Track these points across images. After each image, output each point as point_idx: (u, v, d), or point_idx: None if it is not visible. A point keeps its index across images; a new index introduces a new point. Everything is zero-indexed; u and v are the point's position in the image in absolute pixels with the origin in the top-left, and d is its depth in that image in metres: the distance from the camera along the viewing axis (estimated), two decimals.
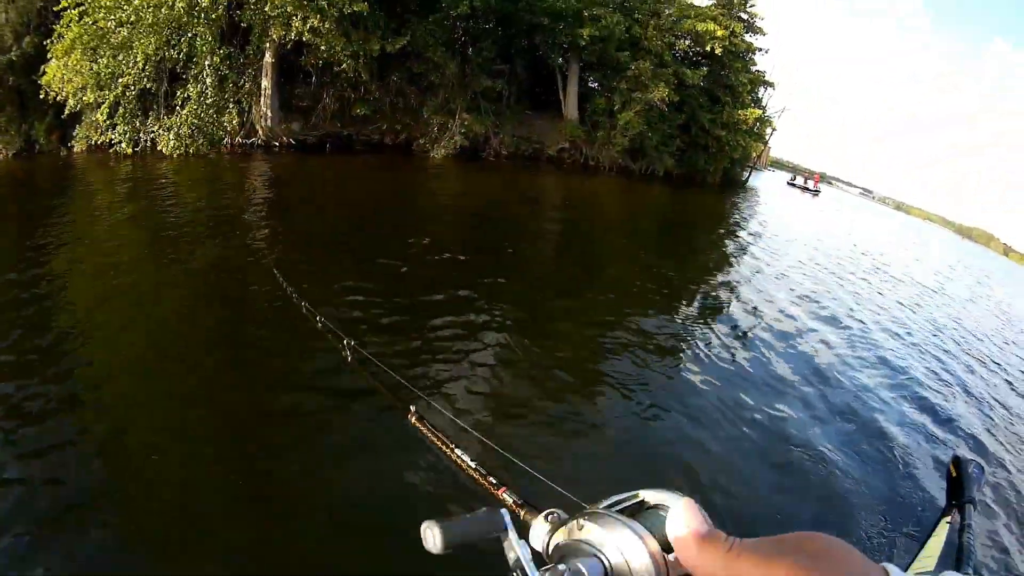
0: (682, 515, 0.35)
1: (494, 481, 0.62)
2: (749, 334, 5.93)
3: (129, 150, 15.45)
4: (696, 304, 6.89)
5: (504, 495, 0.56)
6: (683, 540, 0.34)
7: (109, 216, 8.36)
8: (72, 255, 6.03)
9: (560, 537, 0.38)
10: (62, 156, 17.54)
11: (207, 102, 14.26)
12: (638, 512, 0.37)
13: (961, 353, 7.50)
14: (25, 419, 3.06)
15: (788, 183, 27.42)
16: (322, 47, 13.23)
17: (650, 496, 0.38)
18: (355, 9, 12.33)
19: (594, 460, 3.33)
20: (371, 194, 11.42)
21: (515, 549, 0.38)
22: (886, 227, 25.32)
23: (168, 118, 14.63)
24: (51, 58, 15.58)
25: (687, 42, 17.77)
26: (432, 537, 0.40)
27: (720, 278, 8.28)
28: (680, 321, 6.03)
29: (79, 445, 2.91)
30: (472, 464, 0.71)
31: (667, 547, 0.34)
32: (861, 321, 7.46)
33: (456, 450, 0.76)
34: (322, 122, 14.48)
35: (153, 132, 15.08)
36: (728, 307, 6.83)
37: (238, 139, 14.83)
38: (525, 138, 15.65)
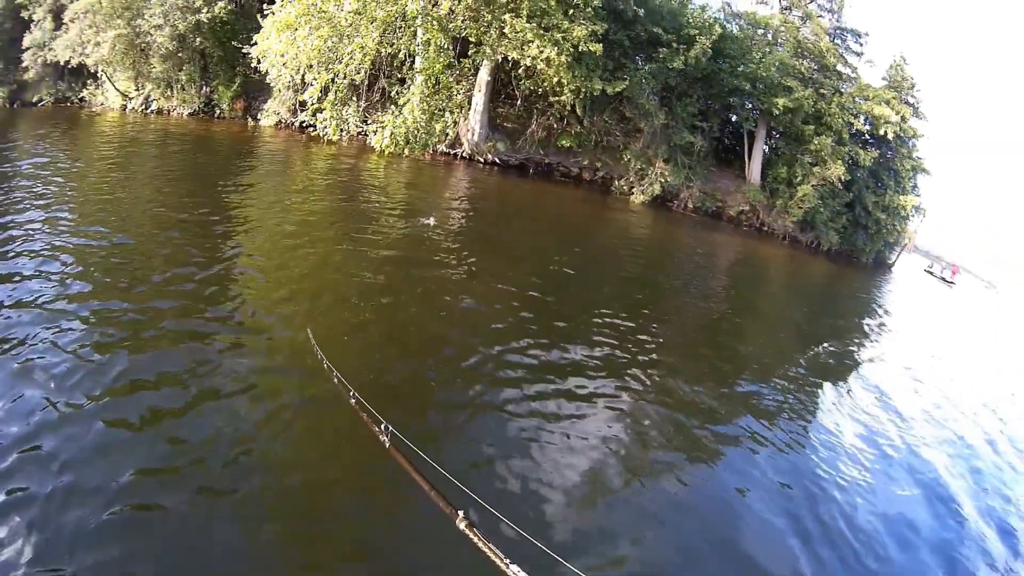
0: None
1: None
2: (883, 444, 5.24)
3: (335, 136, 16.14)
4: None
5: None
6: None
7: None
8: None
9: None
10: (249, 126, 18.62)
11: (426, 107, 14.62)
12: None
13: None
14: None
15: (925, 270, 27.42)
16: (555, 78, 13.76)
17: None
18: (590, 48, 12.93)
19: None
20: (581, 226, 12.04)
21: None
22: None
23: (382, 114, 15.41)
24: (266, 29, 15.64)
25: (863, 123, 18.09)
26: None
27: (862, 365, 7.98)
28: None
29: None
30: None
31: None
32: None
33: (511, 566, 0.61)
34: (527, 146, 15.35)
35: (365, 125, 15.96)
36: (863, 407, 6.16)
37: (442, 147, 15.74)
38: (710, 195, 16.33)
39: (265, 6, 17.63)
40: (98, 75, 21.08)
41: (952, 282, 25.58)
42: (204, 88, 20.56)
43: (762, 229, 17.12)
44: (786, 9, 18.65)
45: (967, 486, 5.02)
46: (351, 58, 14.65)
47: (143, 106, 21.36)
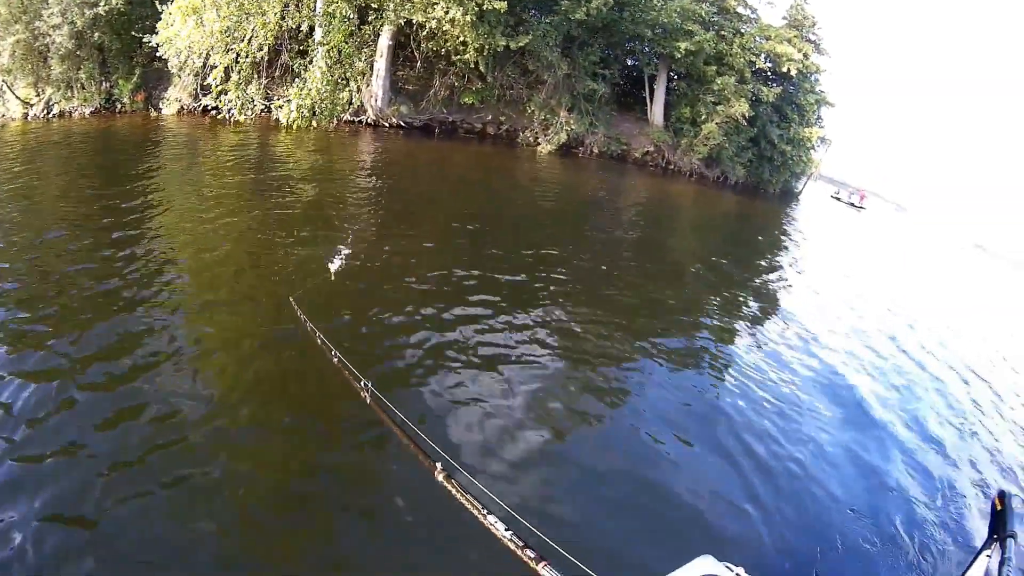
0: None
1: (532, 555, 0.54)
2: (795, 355, 5.82)
3: (242, 117, 15.99)
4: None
5: (544, 572, 0.50)
6: None
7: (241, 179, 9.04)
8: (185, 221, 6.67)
9: None
10: (151, 117, 18.12)
11: (330, 78, 14.73)
12: None
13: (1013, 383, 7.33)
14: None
15: (832, 196, 28.56)
16: (459, 37, 13.79)
17: (700, 566, 0.48)
18: (494, 6, 13.09)
19: (642, 534, 3.00)
20: (490, 180, 12.41)
21: None
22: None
23: (286, 89, 15.31)
24: (170, 15, 15.39)
25: (765, 61, 18.77)
26: None
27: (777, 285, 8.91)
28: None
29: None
30: (507, 534, 0.62)
31: None
32: (903, 347, 7.33)
33: (489, 517, 0.67)
34: (431, 107, 15.43)
35: (269, 102, 15.77)
36: (782, 326, 6.78)
37: (346, 116, 15.69)
38: (615, 139, 16.78)
39: None
40: None
41: (862, 207, 26.90)
42: (104, 84, 19.86)
43: (668, 168, 17.76)
44: None
45: (882, 395, 5.48)
46: (254, 35, 14.51)
47: (45, 111, 20.43)
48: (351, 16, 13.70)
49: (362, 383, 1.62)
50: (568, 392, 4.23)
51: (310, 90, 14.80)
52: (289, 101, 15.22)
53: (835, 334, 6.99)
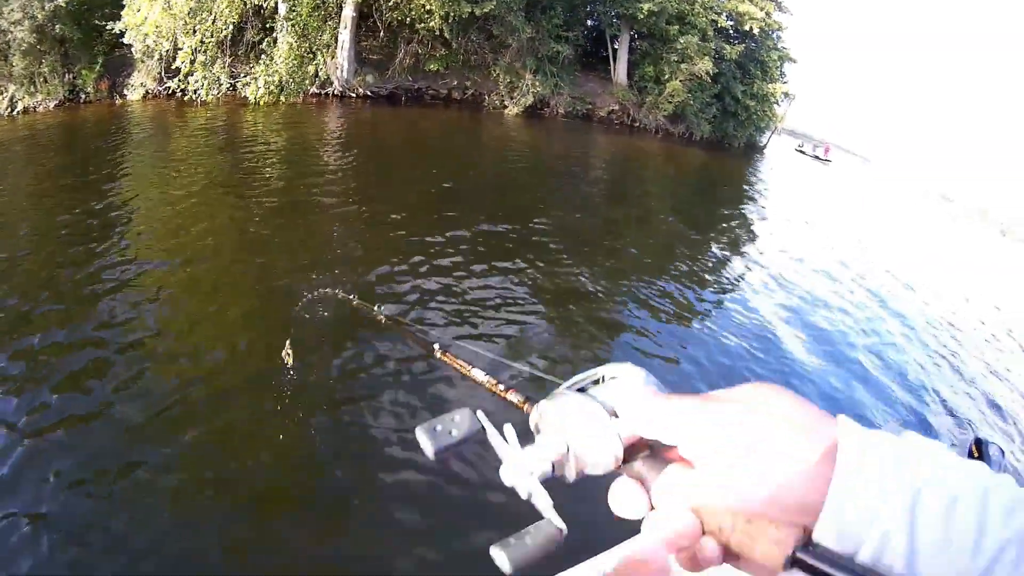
0: (630, 381, 0.39)
1: (502, 387, 0.70)
2: (765, 300, 6.16)
3: (209, 97, 16.01)
4: (715, 255, 7.61)
5: (510, 395, 0.63)
6: (630, 404, 0.37)
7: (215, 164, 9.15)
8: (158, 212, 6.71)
9: (536, 418, 0.43)
10: (117, 105, 18.02)
11: (296, 53, 14.83)
12: (597, 385, 0.42)
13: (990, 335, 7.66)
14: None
15: (796, 149, 28.97)
16: (424, 6, 13.86)
17: (609, 370, 0.42)
18: None
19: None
20: (459, 144, 12.73)
21: (496, 435, 0.43)
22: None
23: (253, 66, 15.36)
24: (132, 3, 15.50)
25: (727, 20, 19.13)
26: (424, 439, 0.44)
27: (737, 233, 9.32)
28: (695, 271, 6.60)
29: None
30: (485, 377, 0.80)
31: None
32: (876, 293, 7.64)
33: (473, 370, 0.85)
34: (396, 75, 15.58)
35: (235, 80, 15.81)
36: (747, 266, 7.28)
37: (312, 89, 15.80)
38: (580, 99, 17.09)
39: None
40: None
41: (827, 160, 27.46)
42: (67, 75, 19.67)
43: (633, 126, 18.15)
44: None
45: (850, 337, 5.80)
46: (219, 15, 14.51)
47: (8, 109, 20.16)
48: None
49: (376, 307, 1.96)
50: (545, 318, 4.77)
51: (277, 66, 14.91)
52: (256, 78, 15.30)
53: (800, 276, 7.37)
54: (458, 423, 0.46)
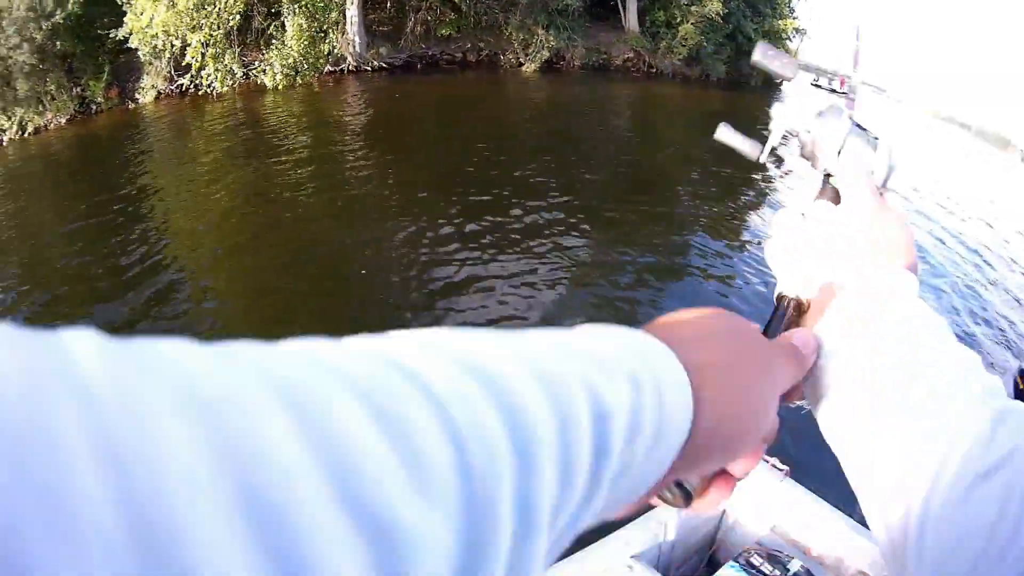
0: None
1: None
2: None
3: (224, 88, 15.91)
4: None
5: None
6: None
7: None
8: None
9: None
10: (129, 109, 17.93)
11: (308, 33, 14.72)
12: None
13: None
14: None
15: (811, 84, 28.72)
16: None
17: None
18: None
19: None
20: (483, 105, 12.49)
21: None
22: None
23: (265, 52, 15.27)
24: (135, 6, 15.30)
25: None
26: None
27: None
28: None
29: None
30: None
31: None
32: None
33: None
34: (409, 44, 15.44)
35: (248, 69, 15.72)
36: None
37: (327, 68, 15.69)
38: (594, 49, 16.91)
39: None
40: None
41: (843, 92, 27.04)
42: (75, 89, 19.60)
43: (651, 72, 17.93)
44: None
45: None
46: (224, 6, 14.37)
47: (19, 132, 20.11)
48: None
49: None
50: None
51: (291, 49, 14.79)
52: (271, 64, 15.22)
53: None
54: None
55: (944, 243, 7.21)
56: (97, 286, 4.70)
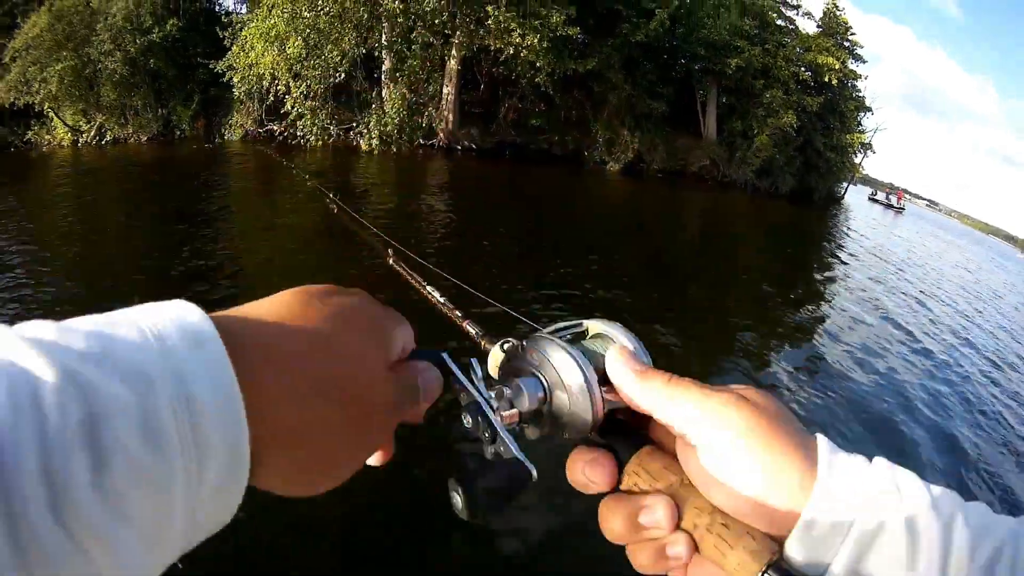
0: (624, 346, 0.35)
1: (459, 314, 0.61)
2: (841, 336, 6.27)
3: (318, 143, 16.25)
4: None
5: (467, 326, 0.55)
6: (621, 371, 0.33)
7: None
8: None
9: (499, 359, 0.40)
10: (215, 144, 18.25)
11: (409, 103, 14.91)
12: (581, 339, 0.38)
13: None
14: None
15: (869, 198, 29.47)
16: (537, 63, 14.04)
17: (595, 326, 0.38)
18: (568, 32, 13.57)
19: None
20: (562, 200, 12.74)
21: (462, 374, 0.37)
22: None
23: (362, 116, 15.69)
24: (248, 40, 15.37)
25: (806, 72, 19.47)
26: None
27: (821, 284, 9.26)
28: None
29: None
30: (441, 299, 0.71)
31: (604, 378, 0.34)
32: (942, 334, 7.60)
33: (427, 287, 0.78)
34: (500, 130, 15.98)
35: (343, 127, 16.17)
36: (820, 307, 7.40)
37: (419, 140, 16.16)
38: (672, 155, 17.43)
39: (223, 18, 17.25)
40: (43, 113, 20.07)
41: (901, 207, 27.69)
42: (160, 111, 20.09)
43: (723, 181, 18.45)
44: None
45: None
46: (330, 61, 14.61)
47: (96, 138, 20.56)
48: (432, 42, 13.95)
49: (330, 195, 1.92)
50: None
51: (392, 116, 14.87)
52: (369, 128, 15.37)
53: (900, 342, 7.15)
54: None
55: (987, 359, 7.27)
56: (138, 278, 5.03)
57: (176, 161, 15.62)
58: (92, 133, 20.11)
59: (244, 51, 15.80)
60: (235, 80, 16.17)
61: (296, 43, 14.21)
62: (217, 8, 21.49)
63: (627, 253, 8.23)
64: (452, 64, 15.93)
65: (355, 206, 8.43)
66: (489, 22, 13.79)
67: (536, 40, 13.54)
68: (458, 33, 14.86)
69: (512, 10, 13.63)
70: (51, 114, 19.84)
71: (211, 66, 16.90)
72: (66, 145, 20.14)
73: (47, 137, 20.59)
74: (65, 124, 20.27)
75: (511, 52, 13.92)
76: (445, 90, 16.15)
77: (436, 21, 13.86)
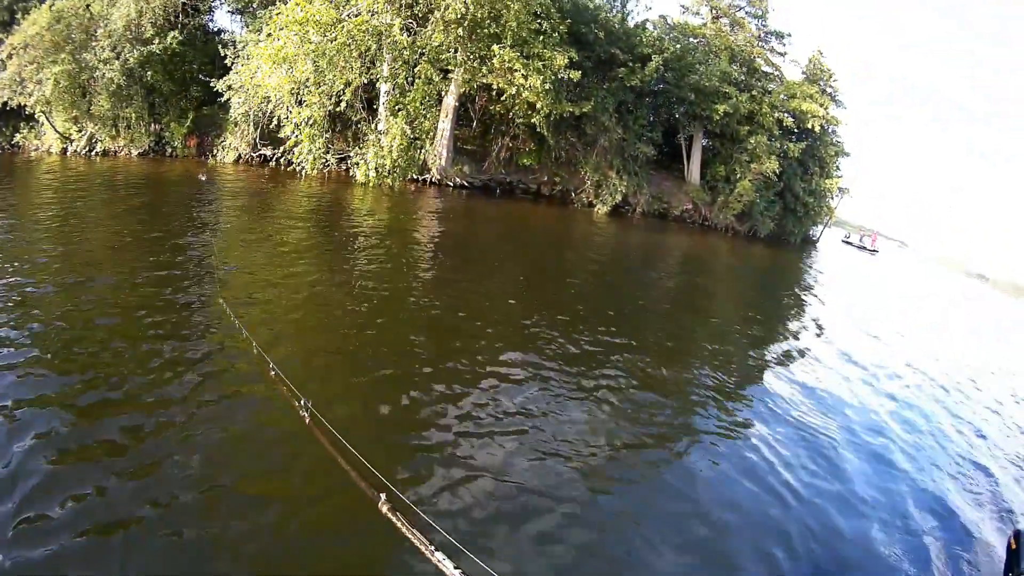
0: None
1: None
2: (811, 392, 6.17)
3: (313, 171, 16.25)
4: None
5: None
6: None
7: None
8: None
9: None
10: (206, 164, 18.13)
11: (408, 138, 14.78)
12: None
13: None
14: None
15: (843, 240, 30.39)
16: (536, 103, 14.30)
17: None
18: (569, 76, 13.96)
19: None
20: (549, 239, 13.20)
21: None
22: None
23: (357, 147, 15.82)
24: (255, 61, 15.12)
25: (790, 118, 20.24)
26: None
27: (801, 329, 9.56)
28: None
29: None
30: (456, 573, 0.54)
31: None
32: (919, 385, 7.74)
33: (437, 554, 0.62)
34: (491, 167, 16.39)
35: (343, 157, 16.28)
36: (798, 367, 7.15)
37: (413, 175, 16.38)
38: (657, 198, 18.04)
39: (219, 35, 17.11)
40: (34, 117, 19.62)
41: (875, 250, 28.49)
42: (153, 125, 19.89)
43: (704, 224, 19.12)
44: (716, 18, 20.36)
45: (902, 435, 5.77)
46: (334, 88, 14.33)
47: (87, 148, 20.25)
48: (434, 78, 13.94)
49: (301, 402, 1.54)
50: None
51: (390, 149, 14.35)
52: (366, 159, 14.79)
53: (862, 374, 7.52)
54: None
55: (958, 404, 7.48)
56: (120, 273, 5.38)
57: (164, 177, 15.39)
58: (83, 143, 19.85)
59: (250, 71, 15.57)
60: (234, 100, 16.13)
61: (305, 67, 13.94)
62: (210, 25, 21.25)
63: (599, 290, 8.47)
64: (450, 100, 16.24)
65: (345, 244, 8.66)
66: (494, 60, 14.03)
67: (539, 81, 13.82)
68: (460, 70, 15.03)
69: (517, 50, 13.90)
70: (42, 118, 19.54)
71: (212, 84, 16.84)
72: (55, 152, 19.85)
73: (36, 142, 20.29)
74: (55, 130, 20.01)
75: (513, 92, 14.23)
76: (441, 125, 16.46)
77: (442, 56, 13.93)
